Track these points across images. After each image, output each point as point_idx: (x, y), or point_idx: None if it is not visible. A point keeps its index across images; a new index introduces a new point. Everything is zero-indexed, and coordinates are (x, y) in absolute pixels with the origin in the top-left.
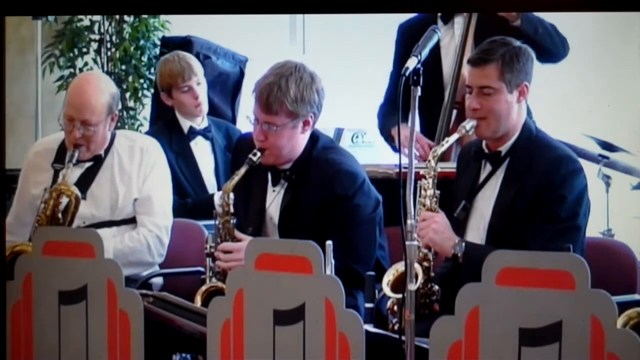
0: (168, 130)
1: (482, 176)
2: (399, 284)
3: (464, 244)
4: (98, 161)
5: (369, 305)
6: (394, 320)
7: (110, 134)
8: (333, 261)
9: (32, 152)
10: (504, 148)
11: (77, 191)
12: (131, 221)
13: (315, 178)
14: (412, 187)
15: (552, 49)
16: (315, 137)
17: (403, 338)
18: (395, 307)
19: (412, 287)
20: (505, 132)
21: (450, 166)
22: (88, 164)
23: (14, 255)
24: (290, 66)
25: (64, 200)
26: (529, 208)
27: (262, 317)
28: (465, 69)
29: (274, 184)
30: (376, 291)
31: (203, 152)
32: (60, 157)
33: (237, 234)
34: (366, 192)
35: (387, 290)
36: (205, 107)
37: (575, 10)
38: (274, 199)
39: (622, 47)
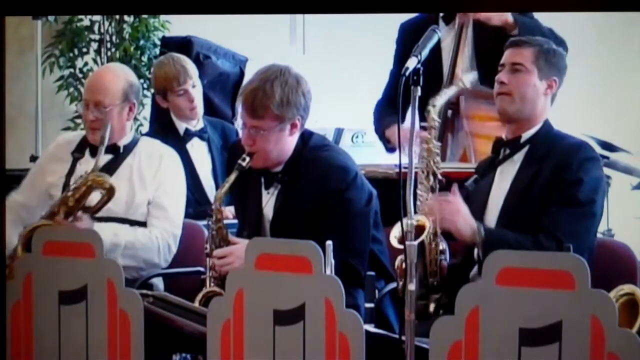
0: (164, 133)
1: (500, 157)
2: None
3: (483, 231)
4: (117, 155)
5: (369, 305)
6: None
7: (129, 126)
8: (333, 261)
9: (54, 144)
10: (525, 135)
11: (111, 183)
12: (143, 225)
13: (307, 177)
14: (412, 187)
15: None
16: (306, 137)
17: (403, 338)
18: (404, 265)
19: (412, 287)
20: (528, 117)
21: (449, 166)
22: (108, 158)
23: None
24: (274, 70)
25: (94, 194)
26: (546, 189)
27: (262, 317)
28: (460, 69)
29: (267, 187)
30: (376, 291)
31: (200, 154)
32: (81, 148)
33: (231, 238)
34: (359, 186)
35: (395, 243)
36: (200, 110)
37: (575, 10)
38: (268, 201)
39: (622, 47)
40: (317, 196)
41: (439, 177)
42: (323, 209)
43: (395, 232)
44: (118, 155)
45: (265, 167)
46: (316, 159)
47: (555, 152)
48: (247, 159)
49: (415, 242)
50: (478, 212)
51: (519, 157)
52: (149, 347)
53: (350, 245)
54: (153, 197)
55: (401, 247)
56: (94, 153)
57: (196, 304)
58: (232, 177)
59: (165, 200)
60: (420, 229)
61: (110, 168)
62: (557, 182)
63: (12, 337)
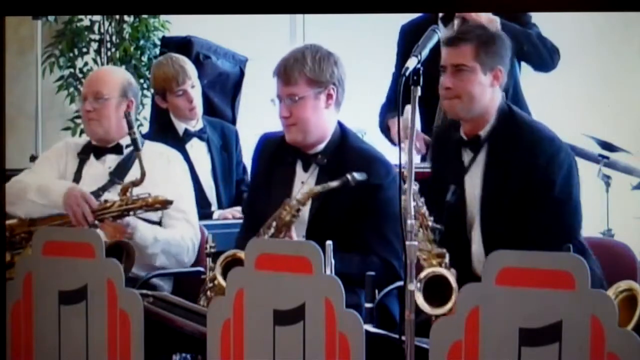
0: (163, 134)
1: (465, 160)
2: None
3: None
4: (121, 154)
5: (368, 305)
6: None
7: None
8: (333, 261)
9: (61, 143)
10: (482, 132)
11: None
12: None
13: (349, 166)
14: (412, 187)
15: (540, 62)
16: (344, 127)
17: (403, 338)
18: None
19: (411, 287)
20: (480, 115)
21: None
22: (114, 160)
23: None
24: (305, 44)
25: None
26: (521, 193)
27: (262, 317)
28: None
29: (305, 170)
30: (376, 291)
31: (199, 154)
32: (86, 150)
33: (293, 232)
34: (398, 185)
35: (428, 309)
36: (199, 110)
37: (575, 10)
38: (300, 191)
39: (622, 47)
40: (358, 186)
41: (434, 226)
42: (363, 202)
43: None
44: (122, 154)
45: (304, 142)
46: (360, 149)
47: (519, 149)
48: (357, 176)
49: (415, 243)
50: (458, 218)
51: (482, 156)
52: (149, 347)
53: (392, 246)
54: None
55: (437, 312)
56: (98, 155)
57: (218, 266)
58: (335, 184)
59: (182, 203)
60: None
61: (119, 172)
62: (530, 186)
63: (12, 337)
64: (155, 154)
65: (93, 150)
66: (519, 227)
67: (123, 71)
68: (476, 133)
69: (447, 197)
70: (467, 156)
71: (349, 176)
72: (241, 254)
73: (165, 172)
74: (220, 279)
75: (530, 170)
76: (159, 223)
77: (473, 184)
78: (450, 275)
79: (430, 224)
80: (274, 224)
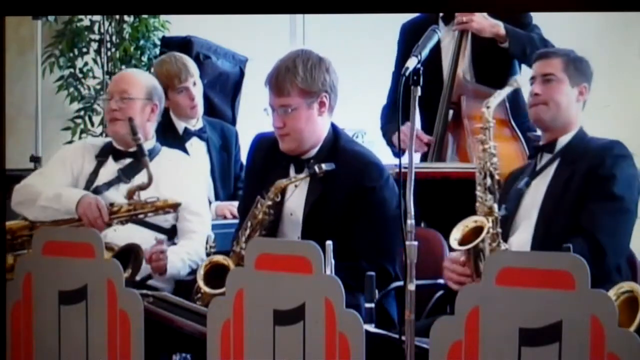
0: (163, 132)
1: (539, 165)
2: (467, 240)
3: None
4: (138, 159)
5: (369, 305)
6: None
7: (152, 130)
8: (333, 261)
9: (78, 143)
10: (561, 140)
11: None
12: (164, 232)
13: (343, 169)
14: (412, 187)
15: None
16: (337, 129)
17: (403, 338)
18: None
19: (411, 287)
20: (562, 125)
21: (450, 166)
22: (128, 162)
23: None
24: (296, 50)
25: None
26: (582, 187)
27: (262, 317)
28: (461, 70)
29: (298, 174)
30: (376, 291)
31: (198, 153)
32: (105, 152)
33: None
34: (391, 187)
35: (455, 245)
36: (200, 109)
37: (575, 10)
38: (293, 192)
39: (622, 47)
40: (350, 191)
41: (497, 177)
42: (356, 206)
43: (456, 234)
44: (139, 159)
45: (299, 151)
46: (353, 152)
47: (589, 153)
48: (324, 166)
49: (415, 243)
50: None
51: (556, 160)
52: (149, 347)
53: (386, 250)
54: (183, 205)
55: (461, 248)
56: (116, 157)
57: (202, 272)
58: (302, 175)
59: (196, 206)
60: (479, 230)
61: (128, 172)
62: (591, 179)
63: (12, 337)
64: (170, 160)
65: (112, 152)
66: (573, 227)
67: (149, 75)
68: (554, 139)
69: (520, 184)
70: (542, 161)
71: (316, 167)
72: (218, 258)
73: (179, 177)
74: (202, 285)
75: (596, 166)
76: (170, 229)
77: (536, 185)
78: (487, 223)
79: (491, 170)
80: (249, 223)
